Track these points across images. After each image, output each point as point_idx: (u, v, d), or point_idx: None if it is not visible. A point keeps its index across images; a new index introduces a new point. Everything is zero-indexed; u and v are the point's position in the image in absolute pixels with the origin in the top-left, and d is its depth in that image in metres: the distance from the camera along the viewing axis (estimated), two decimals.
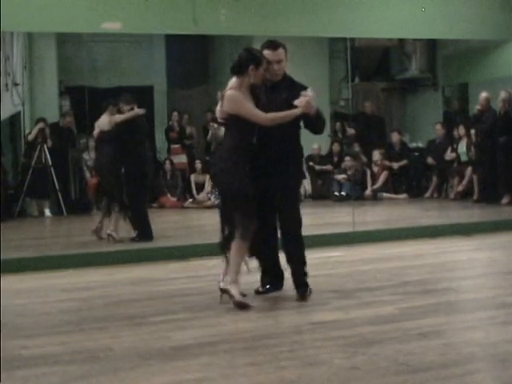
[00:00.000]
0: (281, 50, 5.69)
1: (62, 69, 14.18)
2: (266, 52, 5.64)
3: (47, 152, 12.53)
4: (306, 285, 5.68)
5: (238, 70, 5.59)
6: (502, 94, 12.14)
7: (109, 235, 8.93)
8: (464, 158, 13.38)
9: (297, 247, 5.69)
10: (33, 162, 12.43)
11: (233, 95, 5.51)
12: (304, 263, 5.70)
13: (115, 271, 7.46)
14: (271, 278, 5.84)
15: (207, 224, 11.04)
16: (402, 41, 15.56)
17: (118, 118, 9.25)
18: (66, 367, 4.17)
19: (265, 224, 5.55)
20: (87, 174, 13.30)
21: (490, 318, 5.05)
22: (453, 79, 15.91)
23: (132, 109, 9.35)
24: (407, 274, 6.68)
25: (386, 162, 14.17)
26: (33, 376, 4.02)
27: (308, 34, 11.72)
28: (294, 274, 5.71)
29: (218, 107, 5.66)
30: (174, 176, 13.81)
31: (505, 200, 11.91)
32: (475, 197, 12.65)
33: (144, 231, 8.97)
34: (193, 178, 13.96)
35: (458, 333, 4.68)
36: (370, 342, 4.46)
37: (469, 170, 13.03)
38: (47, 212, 12.61)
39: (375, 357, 4.17)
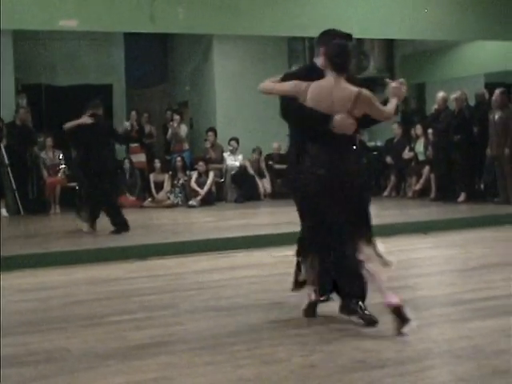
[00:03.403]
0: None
1: (18, 67, 14.04)
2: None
3: (3, 151, 12.39)
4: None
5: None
6: (456, 94, 12.29)
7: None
8: (421, 157, 13.53)
9: None
10: None
11: (372, 95, 4.76)
12: None
13: (73, 271, 7.40)
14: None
15: (166, 223, 11.04)
16: (360, 40, 15.66)
17: (67, 125, 9.56)
18: (21, 369, 4.12)
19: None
20: (45, 173, 13.17)
21: (446, 314, 5.12)
22: (410, 79, 16.02)
23: (93, 114, 9.60)
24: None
25: None
26: None
27: (267, 33, 11.77)
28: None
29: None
30: (132, 175, 13.75)
31: (461, 198, 12.07)
32: (432, 195, 12.80)
33: (122, 223, 9.42)
34: (152, 177, 13.91)
35: (415, 330, 4.71)
36: (327, 340, 4.48)
37: (426, 168, 13.18)
38: (3, 212, 12.48)
39: (332, 354, 4.20)
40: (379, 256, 4.71)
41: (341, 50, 4.75)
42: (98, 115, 9.71)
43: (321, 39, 5.01)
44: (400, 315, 4.52)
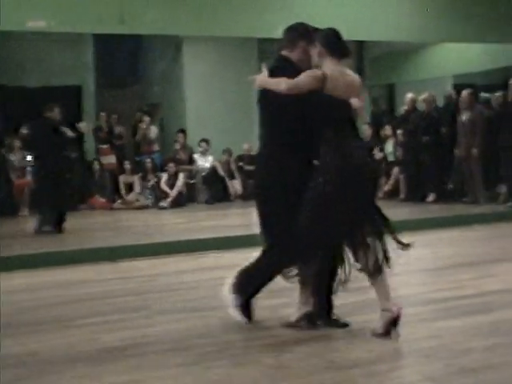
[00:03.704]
0: None
1: None
2: None
3: None
4: None
5: None
6: (424, 95, 12.41)
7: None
8: (391, 157, 13.60)
9: None
10: None
11: None
12: None
13: (44, 274, 7.34)
14: None
15: (137, 225, 10.98)
16: None
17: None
18: None
19: None
20: (13, 175, 13.04)
21: (416, 314, 5.14)
22: (379, 80, 16.19)
23: (46, 117, 9.74)
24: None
25: None
26: None
27: (237, 35, 11.76)
28: None
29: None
30: (102, 177, 13.68)
31: (430, 198, 12.16)
32: (402, 196, 12.87)
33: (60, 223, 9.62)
34: (122, 178, 13.83)
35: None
36: (297, 341, 4.49)
37: (396, 169, 13.25)
38: None
39: (303, 355, 4.22)
40: (400, 242, 4.77)
41: (337, 36, 4.72)
42: (50, 118, 9.72)
43: (296, 33, 4.89)
44: (392, 326, 4.50)
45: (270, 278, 4.89)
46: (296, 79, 4.56)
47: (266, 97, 4.78)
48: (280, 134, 4.81)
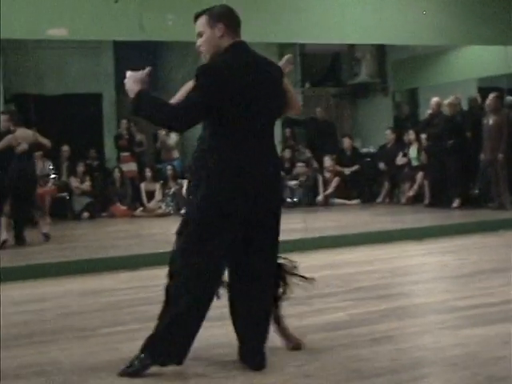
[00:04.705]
0: (201, 21, 4.10)
1: (7, 76, 13.93)
2: None
3: None
4: None
5: None
6: (449, 99, 12.29)
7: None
8: (415, 162, 13.50)
9: None
10: None
11: None
12: None
13: (64, 282, 7.32)
14: None
15: (158, 233, 10.93)
16: (351, 46, 15.67)
17: None
18: (12, 382, 4.05)
19: None
20: None
21: (441, 322, 5.06)
22: (402, 84, 16.09)
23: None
24: (359, 279, 6.67)
25: (338, 168, 14.20)
26: None
27: (257, 40, 11.69)
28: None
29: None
30: (123, 184, 13.66)
31: (455, 204, 12.02)
32: (426, 201, 12.75)
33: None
34: (143, 186, 13.80)
35: (409, 338, 4.67)
36: (322, 349, 4.42)
37: (420, 174, 13.14)
38: None
39: (327, 364, 4.14)
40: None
41: None
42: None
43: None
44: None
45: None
46: None
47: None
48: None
